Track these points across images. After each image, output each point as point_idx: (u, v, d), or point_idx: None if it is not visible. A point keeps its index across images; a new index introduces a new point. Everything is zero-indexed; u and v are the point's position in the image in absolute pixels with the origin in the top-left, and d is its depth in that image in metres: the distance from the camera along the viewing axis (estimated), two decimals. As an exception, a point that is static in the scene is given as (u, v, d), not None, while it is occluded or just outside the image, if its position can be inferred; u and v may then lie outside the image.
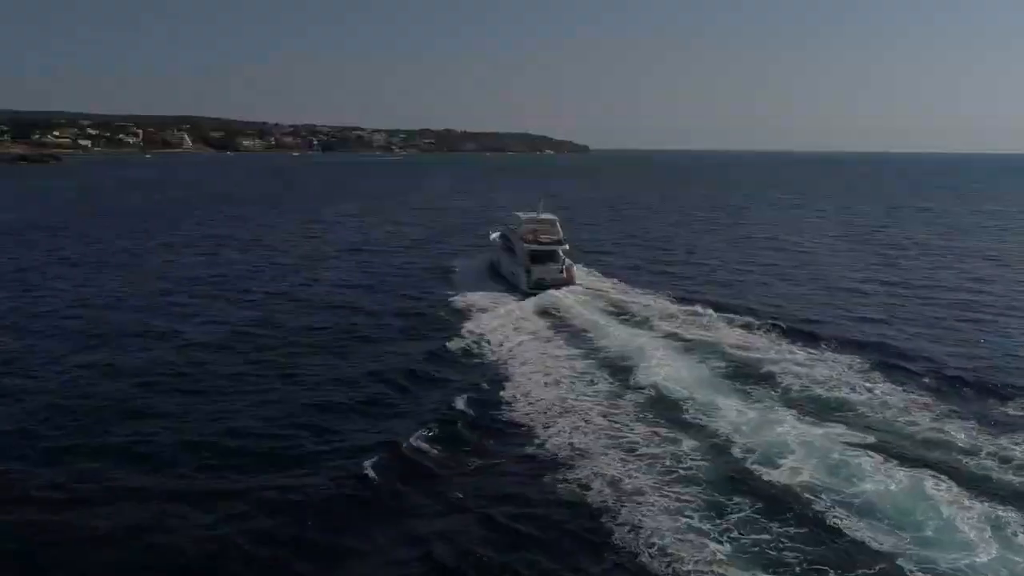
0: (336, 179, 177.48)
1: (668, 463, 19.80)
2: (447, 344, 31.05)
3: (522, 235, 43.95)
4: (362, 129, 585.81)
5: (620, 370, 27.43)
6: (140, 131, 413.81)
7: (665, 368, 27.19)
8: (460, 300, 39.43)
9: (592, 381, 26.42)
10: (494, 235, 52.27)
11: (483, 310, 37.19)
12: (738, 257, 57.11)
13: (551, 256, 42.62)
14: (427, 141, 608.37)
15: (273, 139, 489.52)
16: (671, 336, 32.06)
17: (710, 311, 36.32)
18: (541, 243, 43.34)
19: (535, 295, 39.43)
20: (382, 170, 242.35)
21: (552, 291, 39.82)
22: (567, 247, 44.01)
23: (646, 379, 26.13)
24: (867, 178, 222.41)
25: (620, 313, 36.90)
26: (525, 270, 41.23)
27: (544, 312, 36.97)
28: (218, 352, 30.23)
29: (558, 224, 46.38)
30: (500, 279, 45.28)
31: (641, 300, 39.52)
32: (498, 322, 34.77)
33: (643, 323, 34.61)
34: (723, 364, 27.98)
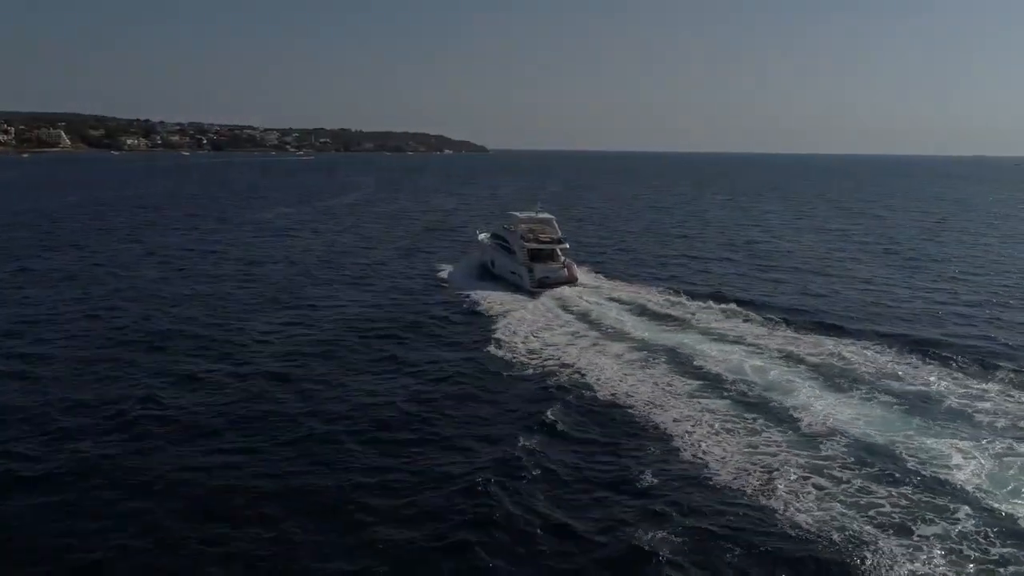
0: (253, 181, 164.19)
1: (966, 550, 15.33)
2: (542, 387, 25.63)
3: (521, 234, 42.96)
4: (253, 128, 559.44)
5: (771, 409, 22.71)
6: (11, 128, 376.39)
7: (825, 403, 23.11)
8: (481, 307, 36.97)
9: (754, 428, 21.38)
10: (482, 235, 50.93)
11: (510, 318, 34.32)
12: (722, 253, 53.94)
13: (551, 255, 42.04)
14: (322, 140, 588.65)
15: (159, 138, 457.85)
16: (786, 356, 27.80)
17: (774, 317, 34.28)
18: (541, 242, 42.63)
19: (540, 293, 38.98)
20: (294, 170, 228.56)
21: (557, 289, 39.39)
22: (567, 245, 43.38)
23: (818, 420, 21.80)
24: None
25: (672, 320, 33.73)
26: (527, 269, 40.38)
27: (598, 325, 33.06)
28: (257, 388, 24.46)
29: (555, 223, 45.89)
30: (496, 280, 43.60)
31: (674, 301, 37.54)
32: (563, 342, 30.49)
33: (735, 340, 30.21)
34: (888, 396, 23.74)
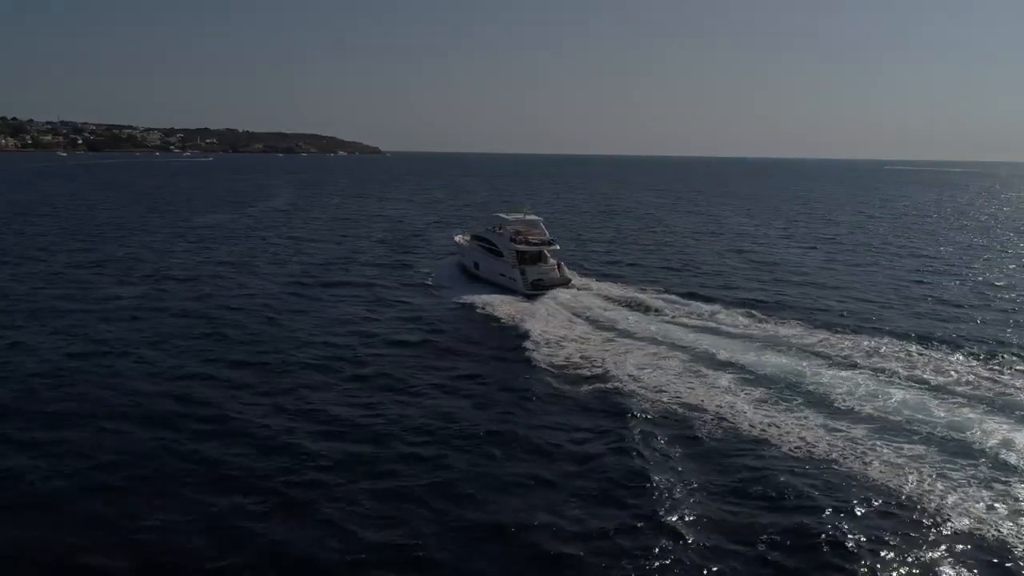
0: (160, 184, 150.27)
1: None
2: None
3: (510, 235, 41.41)
4: (133, 127, 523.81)
5: (978, 453, 19.61)
6: None
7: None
8: (507, 321, 33.96)
9: (985, 480, 18.08)
10: (458, 237, 48.99)
11: (552, 338, 30.63)
12: (694, 255, 51.57)
13: (539, 256, 40.83)
14: (208, 141, 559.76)
15: (29, 137, 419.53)
16: (923, 383, 24.97)
17: (839, 326, 32.50)
18: (530, 243, 41.26)
19: (537, 296, 37.93)
20: (196, 172, 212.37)
21: (556, 291, 38.40)
22: (557, 247, 42.21)
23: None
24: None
25: (742, 336, 30.77)
26: (520, 271, 39.18)
27: (665, 342, 29.88)
28: (302, 432, 19.17)
29: (543, 224, 44.46)
30: (483, 282, 42.11)
31: (699, 308, 35.99)
32: (645, 362, 27.19)
33: (845, 363, 27.13)
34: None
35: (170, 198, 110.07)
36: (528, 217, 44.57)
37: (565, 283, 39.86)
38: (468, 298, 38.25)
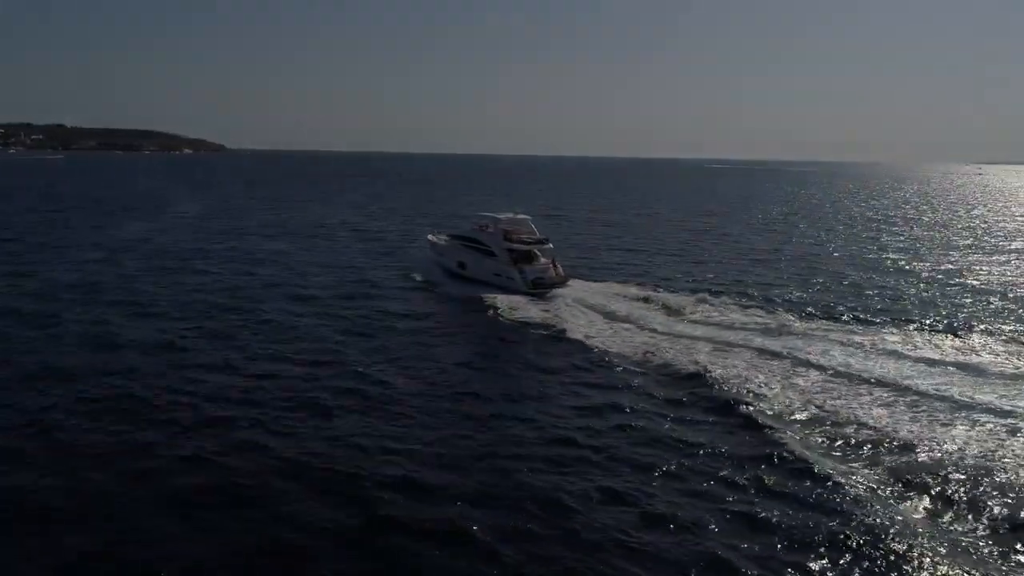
0: (23, 185, 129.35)
1: None
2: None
3: (503, 234, 40.63)
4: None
5: None
6: None
7: None
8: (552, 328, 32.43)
9: None
10: (432, 237, 47.25)
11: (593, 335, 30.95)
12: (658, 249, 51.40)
13: (531, 255, 40.07)
14: (34, 137, 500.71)
15: None
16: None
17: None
18: (524, 242, 40.55)
19: (540, 295, 37.35)
20: (57, 174, 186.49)
21: (556, 289, 38.08)
22: (551, 245, 41.40)
23: None
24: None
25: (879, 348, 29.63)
26: (518, 271, 38.47)
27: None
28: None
29: (531, 223, 43.38)
30: (470, 281, 40.95)
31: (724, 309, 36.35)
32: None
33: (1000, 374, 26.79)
34: None
35: (57, 204, 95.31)
36: (518, 216, 43.61)
37: (563, 282, 38.86)
38: (489, 300, 36.67)
